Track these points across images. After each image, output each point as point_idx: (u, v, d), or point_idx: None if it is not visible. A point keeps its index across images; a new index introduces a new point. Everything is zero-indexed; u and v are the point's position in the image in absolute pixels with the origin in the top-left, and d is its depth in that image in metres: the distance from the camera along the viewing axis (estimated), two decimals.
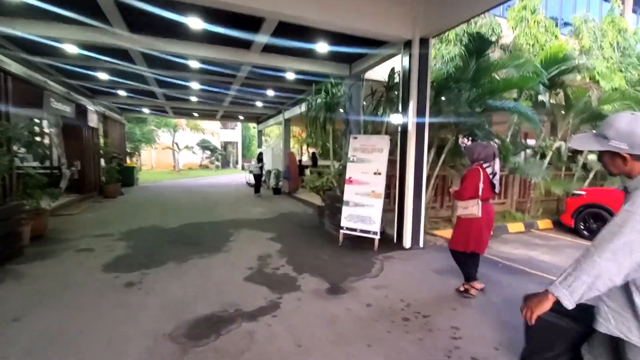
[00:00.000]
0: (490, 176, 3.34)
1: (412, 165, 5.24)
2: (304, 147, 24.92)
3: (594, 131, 1.39)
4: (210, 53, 6.21)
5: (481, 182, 3.28)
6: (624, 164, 1.28)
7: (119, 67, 7.64)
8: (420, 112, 5.20)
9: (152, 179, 19.76)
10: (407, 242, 5.36)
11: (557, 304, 1.27)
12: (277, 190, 12.89)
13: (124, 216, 7.88)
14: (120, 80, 8.76)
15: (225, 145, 36.25)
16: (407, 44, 5.24)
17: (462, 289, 3.60)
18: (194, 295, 3.53)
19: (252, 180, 15.66)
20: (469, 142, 6.77)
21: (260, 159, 12.36)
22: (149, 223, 7.07)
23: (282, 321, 3.03)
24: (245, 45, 6.22)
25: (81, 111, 10.02)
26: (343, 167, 6.42)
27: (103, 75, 8.42)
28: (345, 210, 5.55)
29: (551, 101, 8.12)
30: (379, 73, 6.86)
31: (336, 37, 5.90)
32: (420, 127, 5.25)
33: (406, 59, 5.28)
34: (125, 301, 3.39)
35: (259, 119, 17.79)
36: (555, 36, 8.02)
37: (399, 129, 5.43)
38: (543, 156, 7.95)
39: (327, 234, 6.31)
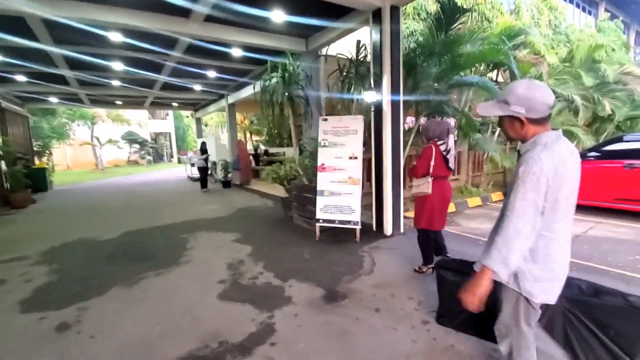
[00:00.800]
0: (444, 153, 3.36)
1: (389, 147, 4.87)
2: (248, 134, 23.55)
3: (496, 100, 1.46)
4: (138, 21, 5.01)
5: (433, 159, 3.31)
6: (521, 128, 1.39)
7: (15, 43, 5.94)
8: (394, 89, 4.81)
9: (71, 180, 16.96)
10: (388, 229, 5.05)
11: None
12: (226, 183, 11.82)
13: (41, 231, 6.36)
14: (18, 61, 6.88)
15: (156, 137, 32.88)
16: (377, 14, 4.76)
17: (416, 268, 3.70)
18: (160, 331, 2.73)
19: (197, 174, 14.32)
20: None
21: (204, 149, 11.11)
22: (76, 236, 5.76)
23: (284, 349, 2.43)
24: (184, 12, 5.16)
25: None
26: (311, 153, 5.83)
27: None
28: (321, 201, 5.02)
29: (499, 78, 8.41)
30: (339, 49, 6.29)
31: (293, 6, 5.17)
32: (395, 105, 4.87)
33: (376, 31, 4.80)
34: (62, 354, 2.48)
35: (196, 105, 16.11)
36: (501, 13, 8.29)
37: (372, 107, 4.99)
38: (492, 132, 8.26)
39: (299, 229, 5.74)
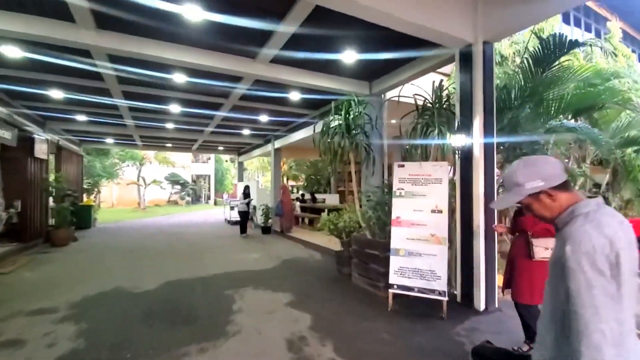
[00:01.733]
0: None
1: (480, 198, 4.02)
2: (284, 179, 23.47)
3: (505, 192, 1.29)
4: (205, 60, 4.84)
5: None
6: (553, 201, 1.17)
7: (78, 82, 6.04)
8: (487, 131, 4.09)
9: (114, 218, 17.22)
10: (480, 302, 4.00)
11: None
12: (266, 229, 11.20)
13: (77, 274, 5.90)
14: (79, 96, 6.99)
15: (196, 179, 33.95)
16: (465, 50, 4.23)
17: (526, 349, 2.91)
18: None
19: (235, 218, 13.92)
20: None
21: (247, 193, 10.74)
22: (112, 284, 5.19)
23: None
24: (251, 54, 4.96)
25: (26, 139, 8.07)
26: (377, 203, 5.08)
27: (56, 94, 6.71)
28: (395, 262, 4.14)
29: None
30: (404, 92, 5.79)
31: (363, 45, 4.80)
32: (489, 150, 4.11)
33: (465, 69, 4.23)
34: None
35: (241, 150, 16.29)
36: (577, 58, 7.61)
37: (458, 153, 4.26)
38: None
39: (361, 291, 4.81)
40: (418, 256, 4.04)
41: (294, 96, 6.95)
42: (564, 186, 1.16)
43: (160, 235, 10.79)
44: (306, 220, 12.73)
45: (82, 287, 5.01)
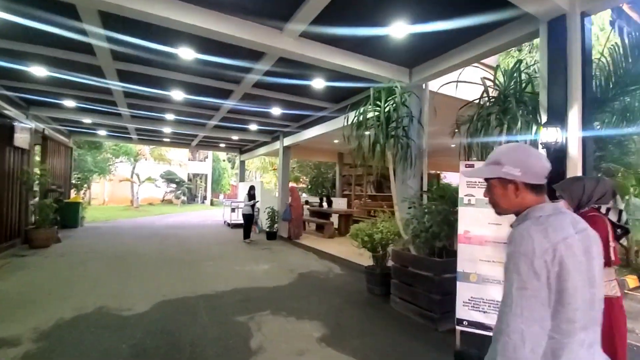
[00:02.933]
0: (620, 224, 2.09)
1: None
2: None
3: (485, 163, 1.20)
4: (223, 27, 3.86)
5: (610, 236, 2.00)
6: (516, 194, 1.12)
7: (64, 55, 5.04)
8: (586, 123, 3.19)
9: (104, 216, 16.08)
10: None
11: None
12: (271, 235, 10.21)
13: (54, 286, 4.86)
14: (66, 75, 5.96)
15: (192, 178, 32.77)
16: (556, 22, 3.33)
17: None
18: None
19: (235, 221, 12.90)
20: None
21: (252, 194, 9.75)
22: (95, 302, 4.18)
23: None
24: (280, 21, 4.01)
25: (4, 125, 7.02)
26: (427, 211, 4.14)
27: (39, 70, 5.68)
28: (464, 290, 3.20)
29: None
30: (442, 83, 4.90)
31: (423, 11, 3.86)
32: (588, 146, 3.21)
33: (556, 44, 3.34)
34: None
35: (243, 148, 15.28)
36: None
37: (547, 151, 3.35)
38: None
39: (408, 323, 3.85)
40: (496, 284, 3.11)
41: (317, 84, 6.01)
42: (537, 188, 1.10)
43: (154, 239, 9.73)
44: (312, 226, 11.76)
45: (58, 306, 3.99)
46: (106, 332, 3.40)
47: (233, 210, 13.13)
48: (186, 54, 4.83)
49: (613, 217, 2.09)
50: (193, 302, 4.34)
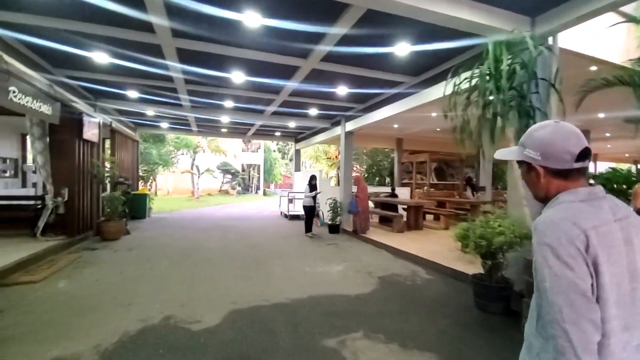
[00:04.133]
0: None
1: None
2: (336, 170, 21.61)
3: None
4: None
5: None
6: (538, 180, 1.01)
7: (124, 34, 4.60)
8: None
9: (169, 207, 16.67)
10: None
11: None
12: (334, 228, 9.45)
13: (121, 288, 4.53)
14: (126, 62, 5.64)
15: (246, 168, 33.43)
16: None
17: None
18: None
19: (293, 212, 12.39)
20: None
21: (313, 184, 9.03)
22: (161, 311, 3.70)
23: None
24: None
25: (72, 117, 7.01)
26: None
27: (101, 57, 5.38)
28: None
29: None
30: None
31: None
32: None
33: None
34: None
35: (299, 136, 14.68)
36: None
37: None
38: None
39: None
40: None
41: (401, 50, 4.94)
42: (563, 174, 0.97)
43: (217, 231, 9.50)
44: (374, 218, 10.77)
45: (122, 315, 3.55)
46: (174, 351, 2.83)
47: (290, 201, 12.62)
48: (251, 19, 4.08)
49: None
50: (269, 315, 3.67)
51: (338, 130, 10.34)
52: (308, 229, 8.98)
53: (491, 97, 3.63)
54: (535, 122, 3.61)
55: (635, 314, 0.89)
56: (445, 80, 5.61)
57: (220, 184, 30.10)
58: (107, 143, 10.51)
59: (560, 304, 0.82)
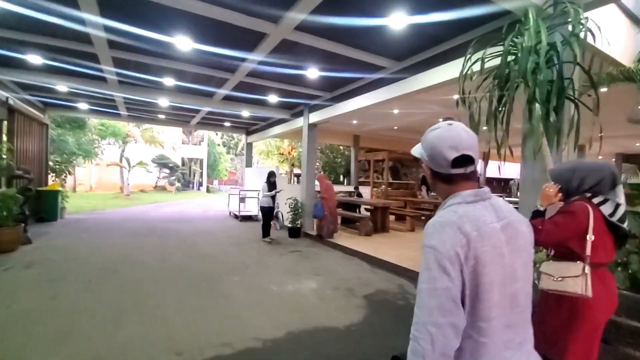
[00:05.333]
0: (610, 219, 1.77)
1: None
2: (285, 167, 20.52)
3: None
4: None
5: (590, 229, 1.73)
6: (431, 180, 1.06)
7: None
8: None
9: (90, 206, 14.06)
10: None
11: None
12: (294, 231, 8.40)
13: (2, 339, 2.99)
14: (26, 12, 4.01)
15: (187, 163, 30.54)
16: None
17: None
18: None
19: (244, 212, 11.03)
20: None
21: (272, 182, 7.88)
22: None
23: None
24: None
25: None
26: None
27: None
28: None
29: None
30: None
31: None
32: None
33: None
34: None
35: (251, 128, 13.24)
36: None
37: None
38: None
39: None
40: None
41: (396, 22, 4.07)
42: (445, 178, 1.00)
43: (152, 237, 7.82)
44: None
45: None
46: None
47: (242, 200, 11.24)
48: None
49: (607, 209, 1.80)
50: None
51: (299, 122, 9.27)
52: (266, 233, 7.81)
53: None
54: (578, 115, 3.06)
55: (516, 313, 0.92)
56: (435, 66, 4.95)
57: (156, 180, 27.01)
58: (5, 127, 8.10)
59: (431, 306, 0.83)
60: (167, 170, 27.22)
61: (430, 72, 4.99)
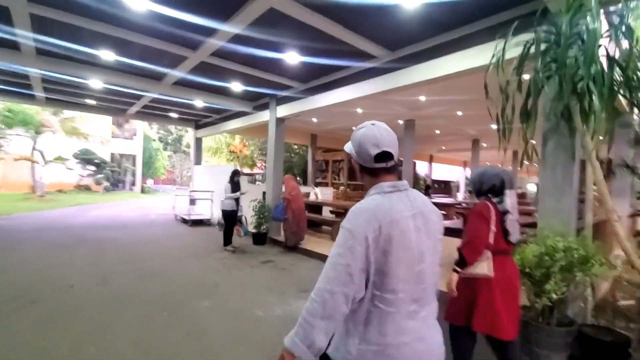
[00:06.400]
0: (504, 217, 2.25)
1: None
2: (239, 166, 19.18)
3: None
4: None
5: (492, 222, 2.21)
6: (359, 173, 1.20)
7: None
8: None
9: None
10: None
11: None
12: (260, 238, 7.48)
13: None
14: None
15: (117, 159, 27.00)
16: None
17: None
18: None
19: (189, 215, 9.70)
20: None
21: (237, 182, 6.88)
22: None
23: None
24: None
25: None
26: None
27: None
28: None
29: None
30: None
31: None
32: None
33: None
34: None
35: (201, 121, 11.80)
36: None
37: None
38: None
39: None
40: None
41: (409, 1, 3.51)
42: (370, 171, 1.15)
43: (82, 250, 6.27)
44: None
45: None
46: None
47: (192, 202, 9.88)
48: None
49: (502, 207, 2.28)
50: None
51: (262, 117, 8.34)
52: (227, 240, 6.78)
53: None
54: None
55: (422, 289, 1.07)
56: (434, 58, 4.55)
57: (79, 178, 23.38)
58: None
59: (331, 276, 0.98)
60: (93, 167, 23.73)
61: (421, 67, 4.61)
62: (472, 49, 4.09)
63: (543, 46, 2.88)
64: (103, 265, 5.24)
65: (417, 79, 4.79)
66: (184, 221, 10.07)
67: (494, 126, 10.13)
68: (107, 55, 5.59)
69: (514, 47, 2.88)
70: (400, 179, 1.15)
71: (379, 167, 1.12)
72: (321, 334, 0.96)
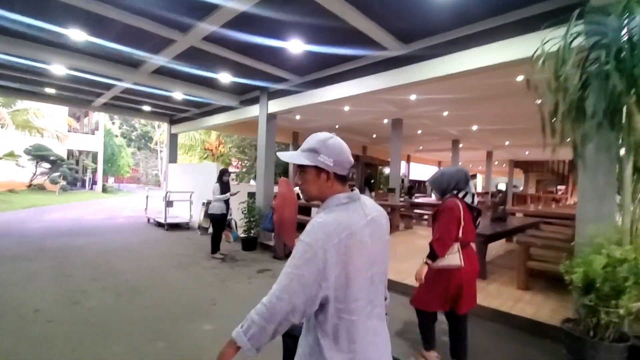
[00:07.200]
0: (472, 205, 2.60)
1: None
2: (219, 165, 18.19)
3: (300, 149, 1.20)
4: None
5: (462, 217, 2.48)
6: (327, 183, 1.17)
7: None
8: None
9: None
10: None
11: None
12: (250, 243, 6.88)
13: None
14: None
15: (75, 155, 24.80)
16: None
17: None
18: None
19: (165, 218, 8.87)
20: None
21: (226, 182, 6.26)
22: None
23: None
24: None
25: None
26: None
27: None
28: None
29: None
30: None
31: None
32: None
33: None
34: None
35: (176, 116, 10.87)
36: None
37: None
38: None
39: None
40: None
41: None
42: (342, 179, 1.18)
43: (43, 263, 5.37)
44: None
45: None
46: None
47: (170, 204, 9.03)
48: None
49: (468, 199, 2.56)
50: None
51: (252, 111, 7.73)
52: (216, 247, 6.14)
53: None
54: None
55: (376, 291, 1.13)
56: (447, 54, 4.29)
57: (32, 176, 21.17)
58: None
59: (283, 284, 1.00)
60: (48, 165, 21.57)
61: (442, 60, 4.37)
62: (496, 44, 3.85)
63: (591, 40, 2.68)
64: (71, 282, 4.44)
65: (432, 75, 4.49)
66: (159, 224, 9.19)
67: (475, 127, 10.26)
68: (77, 35, 4.76)
69: (549, 41, 2.67)
70: (352, 189, 1.18)
71: (346, 175, 1.18)
72: (263, 334, 1.00)
